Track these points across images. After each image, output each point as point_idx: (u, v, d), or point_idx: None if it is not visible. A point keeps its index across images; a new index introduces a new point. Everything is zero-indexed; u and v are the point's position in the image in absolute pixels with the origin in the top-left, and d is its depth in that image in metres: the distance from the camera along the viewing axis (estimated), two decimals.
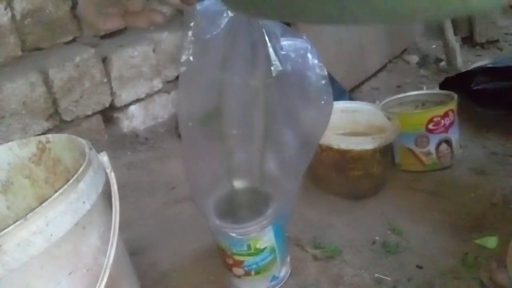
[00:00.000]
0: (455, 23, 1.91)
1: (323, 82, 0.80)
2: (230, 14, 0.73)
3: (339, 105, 1.33)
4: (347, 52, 1.76)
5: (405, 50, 2.15)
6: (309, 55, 0.80)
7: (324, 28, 1.70)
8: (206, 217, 0.90)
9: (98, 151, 0.75)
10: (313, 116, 0.84)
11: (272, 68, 0.76)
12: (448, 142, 1.28)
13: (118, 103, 1.70)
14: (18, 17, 1.51)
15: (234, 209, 0.91)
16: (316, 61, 0.80)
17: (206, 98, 0.82)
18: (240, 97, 0.80)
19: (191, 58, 0.76)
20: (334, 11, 0.39)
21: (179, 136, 1.65)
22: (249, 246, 0.89)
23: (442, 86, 1.60)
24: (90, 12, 0.61)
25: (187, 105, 0.84)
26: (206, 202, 0.90)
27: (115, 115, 1.72)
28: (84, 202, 0.64)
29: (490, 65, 1.58)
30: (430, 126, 1.26)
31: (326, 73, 0.81)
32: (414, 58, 2.10)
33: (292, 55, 0.78)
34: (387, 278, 0.96)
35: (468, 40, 2.20)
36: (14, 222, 0.56)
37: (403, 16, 0.38)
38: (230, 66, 0.78)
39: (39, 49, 1.58)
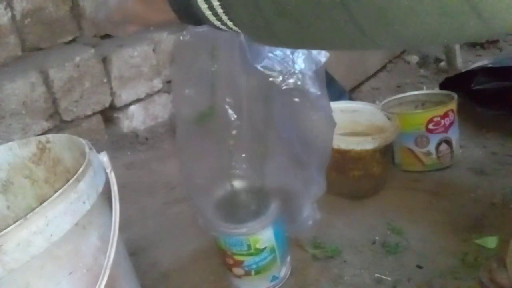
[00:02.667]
0: None
1: (315, 90, 0.79)
2: None
3: (339, 105, 1.33)
4: (347, 52, 1.76)
5: (405, 50, 2.15)
6: (299, 54, 0.79)
7: None
8: (203, 217, 0.90)
9: (98, 151, 0.75)
10: (314, 120, 0.84)
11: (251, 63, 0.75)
12: (448, 142, 1.29)
13: (118, 103, 1.70)
14: (18, 17, 1.51)
15: (234, 209, 0.91)
16: (302, 61, 0.79)
17: (200, 97, 0.82)
18: (234, 93, 0.80)
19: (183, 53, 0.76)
20: (356, 39, 0.39)
21: None
22: (249, 246, 0.89)
23: (442, 86, 1.60)
24: (109, 26, 0.62)
25: (182, 104, 0.83)
26: (204, 202, 0.90)
27: (115, 115, 1.72)
28: (84, 202, 0.64)
29: (490, 65, 1.58)
30: (430, 126, 1.26)
31: (321, 81, 0.80)
32: (414, 58, 2.10)
33: (284, 54, 0.77)
34: (387, 278, 0.96)
35: None
36: (14, 222, 0.56)
37: (424, 41, 0.38)
38: (221, 60, 0.78)
39: (39, 49, 1.58)
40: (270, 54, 0.77)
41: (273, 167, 0.88)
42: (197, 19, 0.47)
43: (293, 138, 0.83)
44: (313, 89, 0.79)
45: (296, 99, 0.78)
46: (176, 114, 0.86)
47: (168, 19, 0.54)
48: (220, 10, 0.45)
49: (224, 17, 0.45)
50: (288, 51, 0.78)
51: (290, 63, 0.78)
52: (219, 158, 0.87)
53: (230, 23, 0.46)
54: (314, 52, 0.81)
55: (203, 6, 0.45)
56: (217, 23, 0.47)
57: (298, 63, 0.78)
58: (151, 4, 0.55)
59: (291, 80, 0.77)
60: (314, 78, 0.79)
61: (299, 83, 0.78)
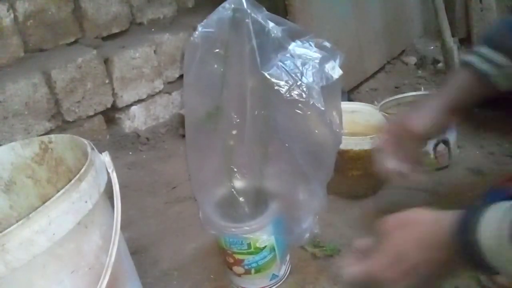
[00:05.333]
0: (452, 25, 1.91)
1: (319, 105, 0.78)
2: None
3: None
4: (346, 53, 1.76)
5: (403, 51, 2.15)
6: (310, 67, 0.79)
7: (322, 28, 1.70)
8: (204, 215, 0.91)
9: (100, 151, 0.76)
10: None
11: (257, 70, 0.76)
12: (445, 142, 1.29)
13: (120, 103, 1.71)
14: (20, 18, 1.52)
15: (235, 208, 0.92)
16: (310, 75, 0.79)
17: (208, 97, 0.83)
18: (239, 96, 0.81)
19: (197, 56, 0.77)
20: None
21: (182, 136, 1.66)
22: (249, 245, 0.90)
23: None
24: None
25: (191, 104, 0.84)
26: (206, 200, 0.91)
27: (117, 115, 1.73)
28: (86, 202, 0.65)
29: None
30: None
31: (330, 97, 0.80)
32: (412, 59, 2.10)
33: (289, 62, 0.78)
34: None
35: (466, 42, 2.20)
36: (17, 221, 0.57)
37: None
38: (230, 63, 0.79)
39: (41, 50, 1.60)
40: (279, 63, 0.78)
41: (274, 172, 0.89)
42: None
43: (297, 148, 0.83)
44: (318, 104, 0.79)
45: (299, 111, 0.79)
46: (185, 113, 0.87)
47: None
48: None
49: None
50: (298, 63, 0.79)
51: (298, 75, 0.78)
52: (221, 157, 0.88)
53: None
54: (327, 66, 0.81)
55: None
56: None
57: (307, 76, 0.79)
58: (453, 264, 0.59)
59: (296, 92, 0.77)
60: (321, 94, 0.79)
61: (304, 96, 0.78)
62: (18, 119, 1.45)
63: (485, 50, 0.85)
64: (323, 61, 0.81)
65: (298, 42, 0.81)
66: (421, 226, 0.61)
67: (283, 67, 0.78)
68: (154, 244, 1.16)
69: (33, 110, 1.48)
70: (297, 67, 0.79)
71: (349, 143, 1.17)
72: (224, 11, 0.77)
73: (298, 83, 0.78)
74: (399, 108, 1.42)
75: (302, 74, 0.79)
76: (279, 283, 0.98)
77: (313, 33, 0.82)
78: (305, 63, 0.79)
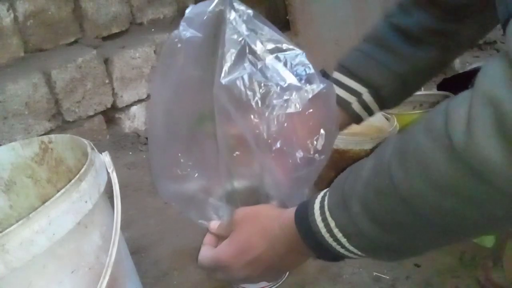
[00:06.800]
0: None
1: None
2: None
3: None
4: (346, 52, 1.77)
5: None
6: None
7: (322, 27, 1.70)
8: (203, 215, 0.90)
9: (100, 151, 0.76)
10: None
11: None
12: None
13: (120, 103, 1.71)
14: (20, 18, 1.52)
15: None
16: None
17: (199, 100, 0.82)
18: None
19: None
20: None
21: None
22: None
23: (440, 87, 1.60)
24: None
25: (175, 107, 0.83)
26: (205, 202, 0.91)
27: (117, 115, 1.73)
28: (86, 202, 0.64)
29: None
30: None
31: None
32: None
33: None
34: (385, 277, 0.97)
35: None
36: (17, 221, 0.57)
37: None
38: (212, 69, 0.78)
39: (41, 50, 1.60)
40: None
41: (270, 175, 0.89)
42: (333, 255, 0.57)
43: None
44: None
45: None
46: (153, 119, 0.84)
47: (305, 260, 0.64)
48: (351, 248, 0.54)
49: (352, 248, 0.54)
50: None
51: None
52: (218, 158, 0.87)
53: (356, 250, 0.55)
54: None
55: (334, 244, 0.55)
56: (350, 255, 0.56)
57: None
58: (295, 256, 0.63)
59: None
60: None
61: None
62: (18, 119, 1.45)
63: (340, 77, 0.85)
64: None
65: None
66: (266, 219, 0.64)
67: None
68: (154, 244, 1.16)
69: (33, 110, 1.48)
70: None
71: (349, 143, 1.17)
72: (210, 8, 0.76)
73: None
74: (399, 108, 1.42)
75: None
76: (279, 283, 0.98)
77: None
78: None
